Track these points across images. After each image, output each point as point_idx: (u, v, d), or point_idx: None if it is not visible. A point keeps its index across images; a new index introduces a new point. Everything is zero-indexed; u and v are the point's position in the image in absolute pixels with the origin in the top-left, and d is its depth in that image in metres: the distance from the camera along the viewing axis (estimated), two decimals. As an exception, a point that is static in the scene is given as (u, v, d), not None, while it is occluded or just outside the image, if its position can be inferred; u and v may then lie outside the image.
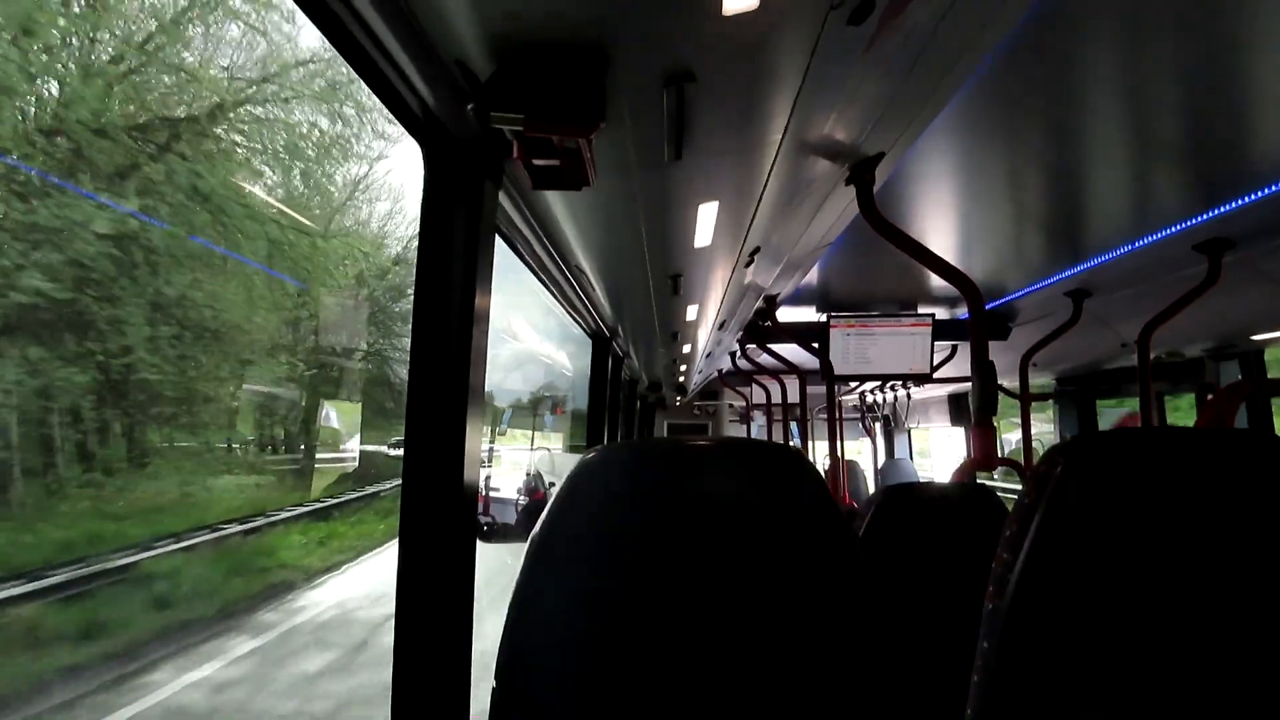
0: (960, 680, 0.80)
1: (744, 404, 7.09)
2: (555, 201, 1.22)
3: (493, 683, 0.77)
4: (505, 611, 0.77)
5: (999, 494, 1.42)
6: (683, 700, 0.72)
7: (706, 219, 1.36)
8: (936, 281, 2.77)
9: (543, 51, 0.76)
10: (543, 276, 1.64)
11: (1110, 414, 4.00)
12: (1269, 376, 2.81)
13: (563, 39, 0.74)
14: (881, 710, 0.73)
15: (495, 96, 0.81)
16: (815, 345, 3.21)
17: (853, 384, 4.77)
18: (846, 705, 0.72)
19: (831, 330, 3.25)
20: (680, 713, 0.72)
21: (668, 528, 0.75)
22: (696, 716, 0.72)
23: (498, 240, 1.24)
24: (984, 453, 1.49)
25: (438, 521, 0.91)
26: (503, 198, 1.10)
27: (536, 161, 0.91)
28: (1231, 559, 0.61)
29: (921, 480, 5.38)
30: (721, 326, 3.07)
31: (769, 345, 3.52)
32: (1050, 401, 4.12)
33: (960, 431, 6.20)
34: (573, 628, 0.74)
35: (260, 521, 9.34)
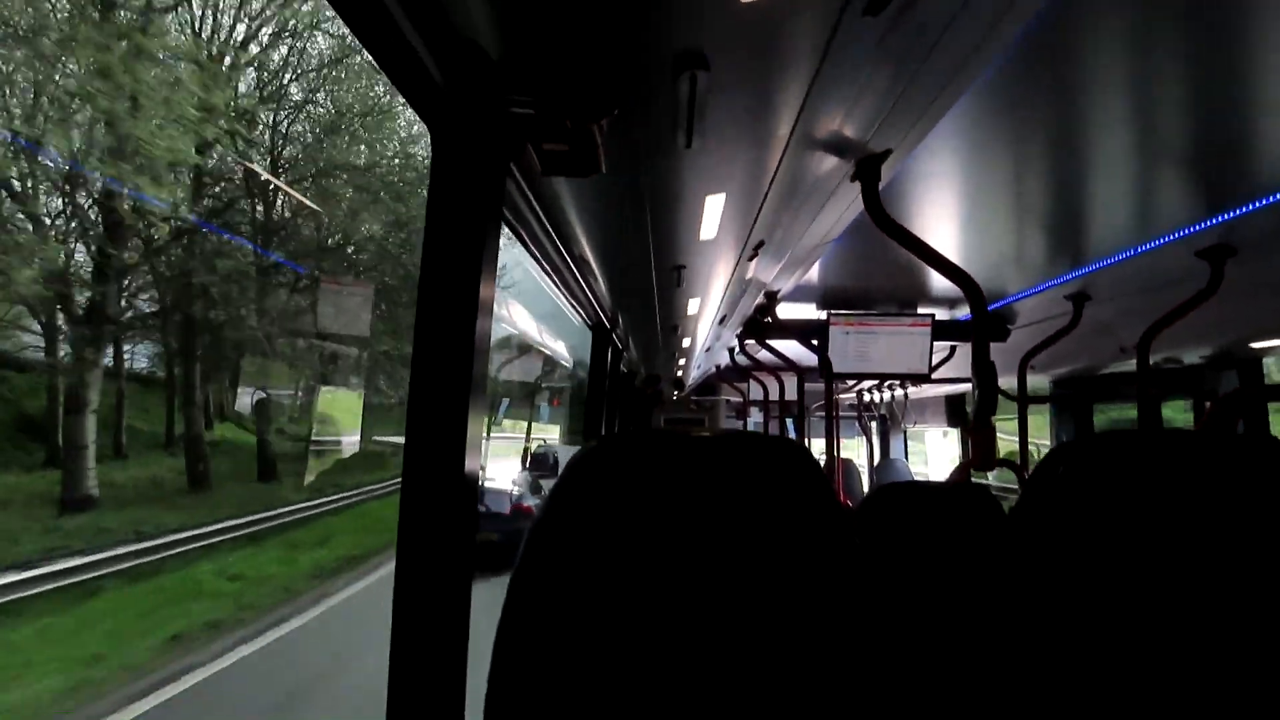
0: (952, 676, 0.80)
1: (741, 399, 7.09)
2: (562, 187, 1.21)
3: (488, 669, 0.77)
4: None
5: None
6: (680, 691, 0.72)
7: (713, 210, 1.35)
8: (937, 282, 2.77)
9: (557, 33, 0.74)
10: (544, 264, 1.63)
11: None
12: (1266, 384, 2.82)
13: (577, 21, 0.72)
14: (877, 704, 0.73)
15: (508, 78, 0.80)
16: (814, 343, 3.20)
17: (850, 382, 4.77)
18: (841, 699, 0.73)
19: (831, 328, 3.25)
20: (678, 705, 0.72)
21: (666, 520, 0.75)
22: (694, 708, 0.72)
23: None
24: (982, 453, 1.50)
25: (438, 508, 0.91)
26: (510, 182, 1.09)
27: (546, 146, 0.89)
28: (1225, 558, 0.61)
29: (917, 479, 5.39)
30: (722, 321, 3.07)
31: (768, 341, 3.51)
32: (1047, 404, 4.13)
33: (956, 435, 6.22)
34: (569, 619, 0.74)
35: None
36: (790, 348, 3.52)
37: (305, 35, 13.06)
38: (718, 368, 5.65)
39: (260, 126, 13.10)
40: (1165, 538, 0.63)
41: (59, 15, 9.50)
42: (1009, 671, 0.68)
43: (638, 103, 0.88)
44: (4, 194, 9.60)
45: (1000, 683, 0.68)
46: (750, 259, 1.83)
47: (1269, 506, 0.61)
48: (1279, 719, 0.59)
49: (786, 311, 3.21)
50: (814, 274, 2.65)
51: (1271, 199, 1.54)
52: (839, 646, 0.73)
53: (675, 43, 0.76)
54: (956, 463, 5.77)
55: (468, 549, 0.94)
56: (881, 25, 0.75)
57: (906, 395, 6.04)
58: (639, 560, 0.74)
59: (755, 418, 7.15)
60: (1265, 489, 0.62)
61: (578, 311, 2.38)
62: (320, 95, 14.03)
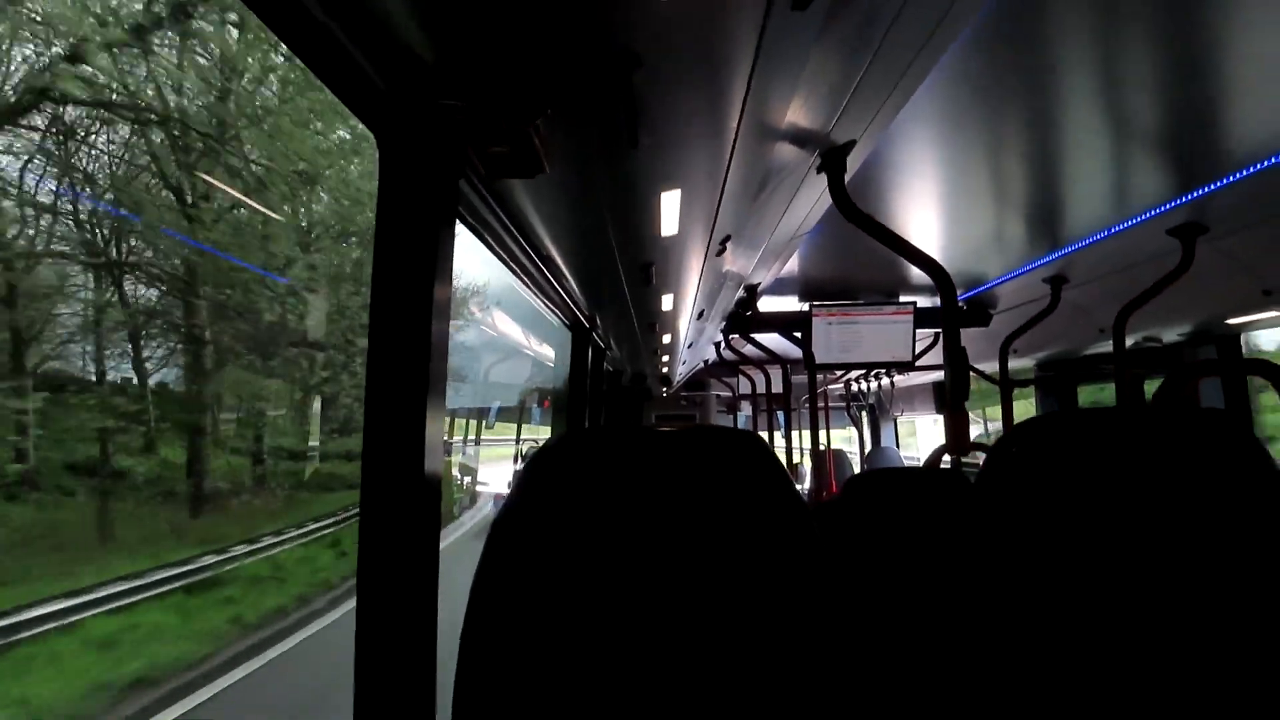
0: (921, 657, 0.80)
1: (731, 394, 7.11)
2: (518, 189, 1.19)
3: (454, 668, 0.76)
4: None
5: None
6: (644, 686, 0.71)
7: (670, 207, 1.35)
8: (917, 270, 2.78)
9: (485, 34, 0.74)
10: (513, 266, 1.61)
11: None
12: (1244, 359, 2.84)
13: (503, 22, 0.71)
14: (841, 688, 0.73)
15: (443, 81, 0.79)
16: (798, 334, 3.21)
17: (837, 372, 4.79)
18: (808, 688, 0.72)
19: (814, 319, 3.25)
20: (643, 699, 0.71)
21: (625, 513, 0.74)
22: (659, 702, 0.71)
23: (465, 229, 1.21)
24: (957, 438, 1.49)
25: (400, 514, 0.89)
26: (465, 185, 1.08)
27: (490, 148, 0.89)
28: (1177, 530, 0.62)
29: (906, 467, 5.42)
30: (700, 316, 3.06)
31: (752, 335, 3.52)
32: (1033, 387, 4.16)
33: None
34: (530, 613, 0.73)
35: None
36: (776, 340, 3.52)
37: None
38: (706, 363, 5.65)
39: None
40: (1114, 509, 0.63)
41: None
42: (973, 649, 0.68)
43: (575, 102, 0.87)
44: None
45: (963, 660, 0.67)
46: (719, 254, 1.82)
47: (1203, 476, 0.62)
48: (1219, 677, 0.59)
49: (769, 305, 3.20)
50: (794, 266, 2.64)
51: (1239, 175, 1.54)
52: (799, 632, 0.72)
53: (605, 42, 0.75)
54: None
55: (431, 553, 0.93)
56: (815, 19, 0.74)
57: (893, 383, 6.07)
58: (599, 553, 0.73)
59: (747, 411, 7.16)
60: (1200, 459, 0.62)
61: (555, 312, 2.36)
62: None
